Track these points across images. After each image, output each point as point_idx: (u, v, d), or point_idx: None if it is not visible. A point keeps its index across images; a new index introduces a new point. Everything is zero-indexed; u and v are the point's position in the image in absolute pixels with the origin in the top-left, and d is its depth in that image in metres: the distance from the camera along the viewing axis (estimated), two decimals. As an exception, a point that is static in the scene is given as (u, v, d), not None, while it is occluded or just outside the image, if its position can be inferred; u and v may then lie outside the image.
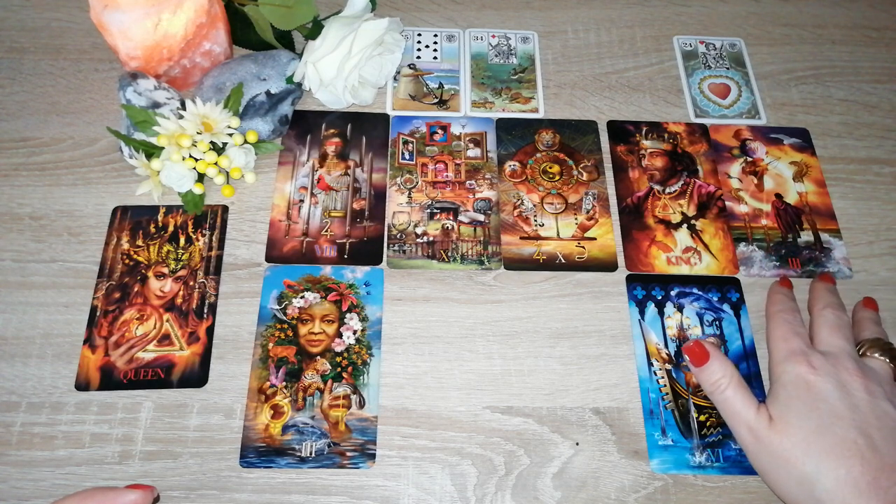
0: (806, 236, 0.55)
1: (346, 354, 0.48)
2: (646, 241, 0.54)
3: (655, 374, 0.49)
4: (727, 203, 0.57)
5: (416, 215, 0.55)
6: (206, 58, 0.58)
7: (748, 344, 0.50)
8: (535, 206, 0.56)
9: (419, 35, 0.65)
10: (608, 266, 0.53)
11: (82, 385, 0.47)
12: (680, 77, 0.64)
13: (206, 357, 0.48)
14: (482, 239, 0.54)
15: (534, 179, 0.57)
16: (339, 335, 0.49)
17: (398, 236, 0.54)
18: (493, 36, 0.65)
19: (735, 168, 0.59)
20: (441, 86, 0.62)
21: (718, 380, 0.45)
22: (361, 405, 0.47)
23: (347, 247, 0.53)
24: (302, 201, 0.55)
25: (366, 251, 0.53)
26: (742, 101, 0.63)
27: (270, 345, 0.49)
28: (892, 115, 0.63)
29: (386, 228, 0.54)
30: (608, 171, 0.58)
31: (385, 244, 0.53)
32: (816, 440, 0.41)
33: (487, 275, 0.53)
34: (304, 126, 0.59)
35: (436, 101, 0.61)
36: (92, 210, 0.54)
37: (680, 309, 0.52)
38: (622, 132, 0.60)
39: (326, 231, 0.54)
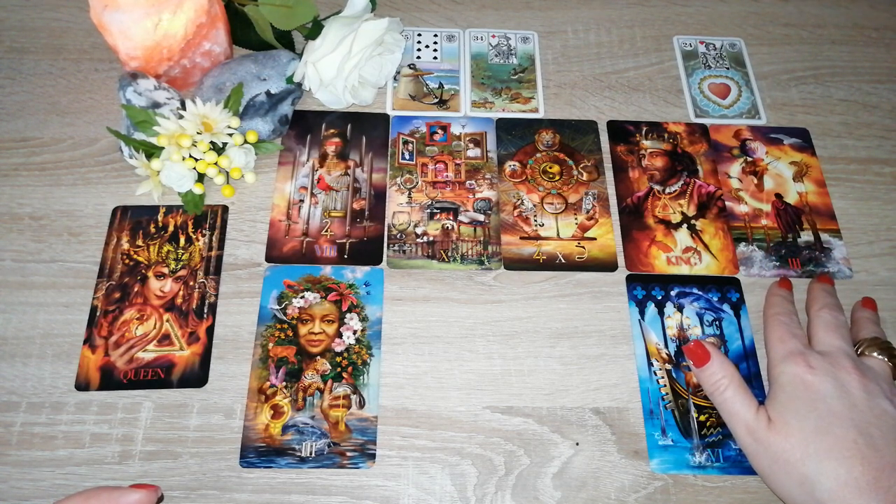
0: (806, 236, 0.55)
1: (346, 354, 0.48)
2: (646, 241, 0.54)
3: (655, 374, 0.49)
4: (727, 203, 0.57)
5: (416, 215, 0.55)
6: (206, 58, 0.58)
7: (748, 344, 0.50)
8: (535, 206, 0.56)
9: (419, 35, 0.65)
10: (608, 266, 0.53)
11: (82, 385, 0.47)
12: (680, 77, 0.64)
13: (206, 357, 0.48)
14: (482, 239, 0.54)
15: (534, 179, 0.57)
16: (339, 335, 0.49)
17: (398, 236, 0.54)
18: (493, 36, 0.65)
19: (735, 168, 0.59)
20: (441, 86, 0.62)
21: (719, 380, 0.45)
22: (361, 405, 0.47)
23: (347, 247, 0.53)
24: (302, 201, 0.55)
25: (366, 251, 0.53)
26: (742, 101, 0.63)
27: (270, 345, 0.49)
28: (892, 115, 0.63)
29: (386, 228, 0.54)
30: (608, 171, 0.58)
31: (385, 244, 0.53)
32: (816, 440, 0.41)
33: (487, 275, 0.53)
34: (304, 126, 0.59)
35: (436, 101, 0.61)
36: (92, 210, 0.54)
37: (680, 309, 0.52)
38: (622, 132, 0.60)
39: (326, 231, 0.54)
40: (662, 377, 0.49)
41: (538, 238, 0.54)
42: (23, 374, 0.47)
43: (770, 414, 0.43)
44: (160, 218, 0.54)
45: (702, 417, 0.47)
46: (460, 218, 0.55)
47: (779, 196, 0.57)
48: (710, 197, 0.57)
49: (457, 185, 0.56)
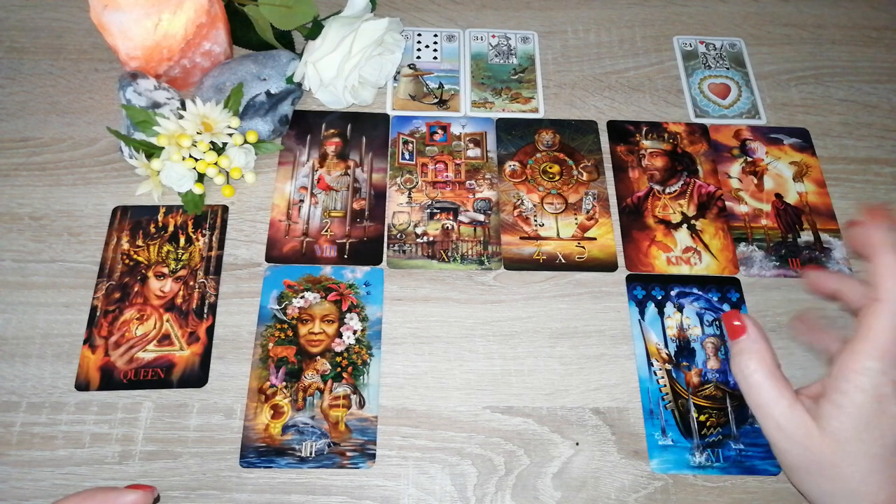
0: (806, 236, 0.55)
1: (346, 354, 0.48)
2: (646, 241, 0.54)
3: (655, 374, 0.49)
4: (727, 203, 0.57)
5: (416, 215, 0.55)
6: (206, 58, 0.58)
7: (748, 344, 0.50)
8: (535, 206, 0.56)
9: (419, 35, 0.65)
10: (608, 266, 0.53)
11: (82, 385, 0.47)
12: (680, 77, 0.64)
13: (206, 357, 0.48)
14: (482, 239, 0.54)
15: (534, 179, 0.57)
16: (339, 335, 0.49)
17: (398, 236, 0.54)
18: (493, 36, 0.65)
19: (735, 168, 0.59)
20: (441, 86, 0.62)
21: (747, 360, 0.39)
22: (361, 405, 0.47)
23: (347, 247, 0.53)
24: (302, 201, 0.55)
25: (366, 251, 0.53)
26: (742, 101, 0.63)
27: (270, 345, 0.49)
28: (891, 115, 0.63)
29: (386, 228, 0.54)
30: (608, 171, 0.58)
31: (385, 244, 0.53)
32: (879, 464, 0.36)
33: (487, 275, 0.53)
34: (304, 126, 0.59)
35: (436, 101, 0.61)
36: (92, 210, 0.54)
37: (680, 309, 0.52)
38: (622, 132, 0.60)
39: (326, 231, 0.54)
40: (662, 377, 0.49)
41: (538, 238, 0.54)
42: (23, 374, 0.47)
43: (825, 412, 0.37)
44: (160, 218, 0.54)
45: (702, 417, 0.47)
46: (460, 218, 0.55)
47: (779, 196, 0.57)
48: (710, 197, 0.57)
49: (457, 185, 0.56)
